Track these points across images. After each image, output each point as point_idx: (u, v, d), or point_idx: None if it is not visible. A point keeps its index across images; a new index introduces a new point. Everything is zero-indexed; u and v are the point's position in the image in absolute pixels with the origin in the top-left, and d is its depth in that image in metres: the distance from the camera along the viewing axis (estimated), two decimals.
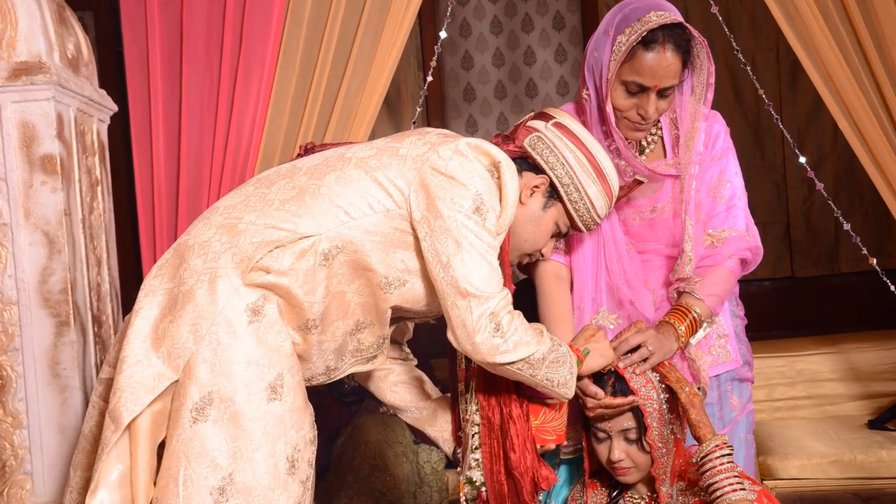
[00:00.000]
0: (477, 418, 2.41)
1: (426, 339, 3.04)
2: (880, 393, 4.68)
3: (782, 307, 5.91)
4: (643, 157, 2.64)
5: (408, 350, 2.66)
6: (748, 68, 3.46)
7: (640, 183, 2.54)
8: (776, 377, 4.78)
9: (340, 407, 4.47)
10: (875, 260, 3.45)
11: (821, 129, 5.86)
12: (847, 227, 3.40)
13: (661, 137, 2.67)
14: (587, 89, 2.57)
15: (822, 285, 6.01)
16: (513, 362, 2.17)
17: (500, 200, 2.21)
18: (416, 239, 2.19)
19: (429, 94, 5.83)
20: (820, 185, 3.46)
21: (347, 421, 4.35)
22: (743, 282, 2.77)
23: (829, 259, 6.03)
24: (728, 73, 5.81)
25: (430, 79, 3.52)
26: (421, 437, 4.14)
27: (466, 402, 2.45)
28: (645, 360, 2.44)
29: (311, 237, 2.14)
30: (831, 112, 3.31)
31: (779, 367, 4.78)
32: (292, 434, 2.14)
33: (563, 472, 2.69)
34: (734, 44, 3.45)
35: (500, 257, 2.25)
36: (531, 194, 2.35)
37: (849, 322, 5.53)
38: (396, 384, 2.60)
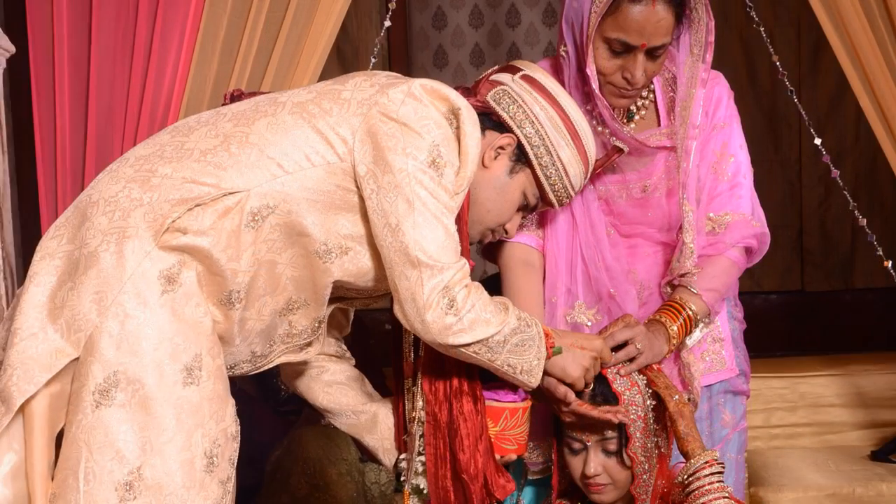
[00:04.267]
0: (423, 415, 2.38)
1: (378, 346, 3.02)
2: (887, 422, 4.75)
3: (790, 325, 5.93)
4: (632, 126, 2.61)
5: (344, 347, 2.64)
6: (769, 47, 3.44)
7: (621, 151, 2.51)
8: (776, 400, 4.83)
9: (275, 417, 4.44)
10: (890, 263, 3.49)
11: (842, 119, 5.89)
12: (863, 222, 3.44)
13: (654, 102, 2.63)
14: (566, 46, 2.54)
15: (834, 302, 6.05)
16: (468, 344, 2.16)
17: (459, 154, 2.20)
18: (362, 199, 2.17)
19: (392, 56, 5.77)
20: (836, 173, 3.49)
21: (283, 434, 4.32)
22: (746, 294, 2.77)
23: (843, 271, 6.07)
24: (742, 50, 5.81)
25: (387, 23, 3.50)
26: (366, 454, 4.12)
27: (414, 398, 2.43)
28: (632, 359, 2.43)
29: (236, 193, 2.12)
30: (857, 96, 3.32)
31: (779, 390, 4.84)
32: (211, 425, 2.12)
33: (528, 493, 2.70)
34: (753, 15, 3.44)
35: (459, 227, 2.23)
36: (496, 157, 2.35)
37: (862, 344, 5.57)
38: (331, 384, 2.57)
